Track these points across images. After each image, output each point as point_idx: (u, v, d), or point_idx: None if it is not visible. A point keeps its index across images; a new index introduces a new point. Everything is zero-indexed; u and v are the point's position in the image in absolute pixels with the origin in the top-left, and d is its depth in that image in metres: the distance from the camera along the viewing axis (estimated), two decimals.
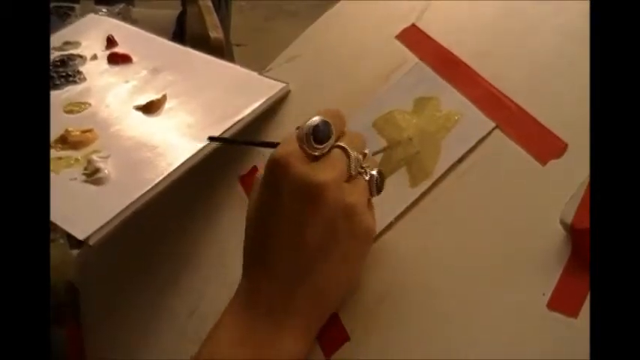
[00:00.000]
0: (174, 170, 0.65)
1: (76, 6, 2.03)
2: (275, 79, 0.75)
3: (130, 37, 0.91)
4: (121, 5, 2.03)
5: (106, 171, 0.66)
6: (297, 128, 0.50)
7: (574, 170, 0.48)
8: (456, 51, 0.62)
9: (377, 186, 0.52)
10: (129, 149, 0.70)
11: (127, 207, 0.61)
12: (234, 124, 0.69)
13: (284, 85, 0.74)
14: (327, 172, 0.48)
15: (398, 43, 0.68)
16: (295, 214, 0.48)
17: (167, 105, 0.76)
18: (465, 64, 0.61)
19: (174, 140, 0.70)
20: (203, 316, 0.62)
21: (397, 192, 0.56)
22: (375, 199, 0.53)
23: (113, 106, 0.77)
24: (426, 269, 0.51)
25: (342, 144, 0.51)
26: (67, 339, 0.75)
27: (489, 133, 0.55)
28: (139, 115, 0.75)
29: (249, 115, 0.70)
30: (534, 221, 0.48)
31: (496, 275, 0.47)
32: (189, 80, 0.79)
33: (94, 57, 0.87)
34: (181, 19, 1.94)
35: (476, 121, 0.56)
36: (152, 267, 0.72)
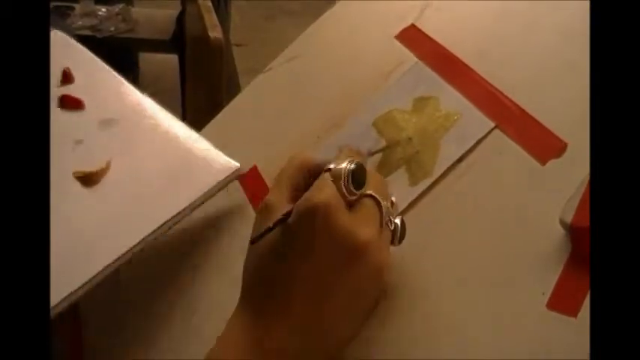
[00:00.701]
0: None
1: (76, 5, 2.03)
2: (227, 159, 0.68)
3: (88, 71, 0.82)
4: (121, 5, 2.04)
5: None
6: (327, 170, 0.47)
7: (574, 170, 0.48)
8: (456, 51, 0.62)
9: (400, 235, 0.50)
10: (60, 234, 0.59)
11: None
12: (170, 218, 0.63)
13: (235, 168, 0.68)
14: (367, 229, 0.46)
15: (397, 43, 0.68)
16: (329, 270, 0.45)
17: (108, 176, 0.68)
18: (465, 64, 0.61)
19: (105, 230, 0.63)
20: (203, 317, 0.62)
21: (397, 191, 0.56)
22: None
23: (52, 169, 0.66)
24: (425, 268, 0.51)
25: (372, 193, 0.48)
26: (67, 339, 0.75)
27: (489, 132, 0.55)
28: (77, 186, 0.68)
29: (185, 209, 0.64)
30: (534, 221, 0.48)
31: (496, 275, 0.47)
32: (138, 146, 0.71)
33: None
34: (181, 18, 1.94)
35: (475, 120, 0.56)
36: (152, 267, 0.72)
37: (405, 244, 0.52)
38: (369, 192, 0.48)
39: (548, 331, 0.43)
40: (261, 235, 0.47)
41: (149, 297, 0.69)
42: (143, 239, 0.60)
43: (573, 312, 0.42)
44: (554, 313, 0.43)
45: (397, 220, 0.50)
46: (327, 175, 0.47)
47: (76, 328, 0.74)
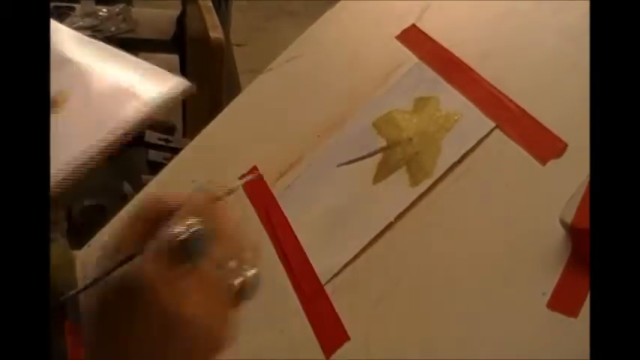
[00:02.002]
0: None
1: (77, 6, 2.03)
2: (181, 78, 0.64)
3: None
4: (122, 5, 2.03)
5: None
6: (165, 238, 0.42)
7: (574, 170, 0.48)
8: (456, 51, 0.62)
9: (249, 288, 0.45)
10: None
11: None
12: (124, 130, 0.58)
13: (188, 85, 0.63)
14: (196, 306, 0.41)
15: (398, 43, 0.68)
16: (154, 346, 0.41)
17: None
18: (465, 64, 0.61)
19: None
20: None
21: (397, 191, 0.56)
22: (375, 200, 0.53)
23: None
24: (425, 269, 0.51)
25: (212, 260, 0.43)
26: (67, 339, 0.75)
27: (489, 133, 0.55)
28: None
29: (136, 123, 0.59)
30: (534, 221, 0.48)
31: (496, 275, 0.47)
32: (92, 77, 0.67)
33: None
34: (181, 19, 1.94)
35: (476, 121, 0.56)
36: None
37: (405, 243, 0.52)
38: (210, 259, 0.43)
39: (549, 331, 0.43)
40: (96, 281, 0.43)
41: None
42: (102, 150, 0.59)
43: (574, 312, 0.42)
44: (554, 313, 0.43)
45: (250, 273, 0.45)
46: (159, 240, 0.42)
47: (76, 328, 0.74)
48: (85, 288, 0.42)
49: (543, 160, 0.51)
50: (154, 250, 0.41)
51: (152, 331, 0.41)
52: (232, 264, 0.44)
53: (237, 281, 0.44)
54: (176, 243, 0.41)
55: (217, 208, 0.44)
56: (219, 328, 0.43)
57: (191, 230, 0.42)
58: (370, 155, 0.58)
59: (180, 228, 0.42)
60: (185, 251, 0.42)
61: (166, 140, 1.83)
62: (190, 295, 0.41)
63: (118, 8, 2.02)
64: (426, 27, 0.67)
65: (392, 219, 0.55)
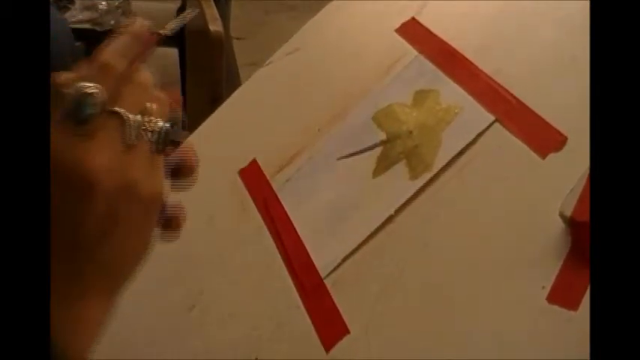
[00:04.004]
0: None
1: None
2: None
3: None
4: None
5: None
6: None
7: (573, 163, 0.48)
8: (456, 44, 0.62)
9: (162, 142, 0.43)
10: None
11: None
12: None
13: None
14: (98, 154, 0.40)
15: (398, 37, 0.68)
16: (68, 208, 0.41)
17: None
18: (465, 58, 0.61)
19: None
20: (202, 312, 0.62)
21: (397, 185, 0.56)
22: (375, 193, 0.53)
23: None
24: (425, 262, 0.51)
25: (116, 108, 0.41)
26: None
27: (489, 126, 0.55)
28: None
29: None
30: (534, 214, 0.48)
31: (496, 268, 0.47)
32: None
33: None
34: (181, 12, 1.94)
35: (476, 114, 0.56)
36: (150, 262, 0.72)
37: (405, 236, 0.52)
38: (113, 109, 0.41)
39: (549, 324, 0.43)
40: None
41: (148, 293, 0.69)
42: None
43: (573, 305, 0.42)
44: (554, 307, 0.43)
45: (160, 125, 0.43)
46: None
47: None
48: None
49: (543, 154, 0.51)
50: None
51: (65, 197, 0.40)
52: (135, 118, 0.42)
53: (160, 124, 0.43)
54: (69, 100, 0.39)
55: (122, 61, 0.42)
56: (135, 180, 0.42)
57: (85, 87, 0.39)
58: (370, 149, 0.58)
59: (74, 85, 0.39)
60: (81, 108, 0.39)
61: None
62: (93, 150, 0.40)
63: (117, 2, 2.02)
64: (426, 20, 0.67)
65: (392, 212, 0.55)
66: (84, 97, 0.39)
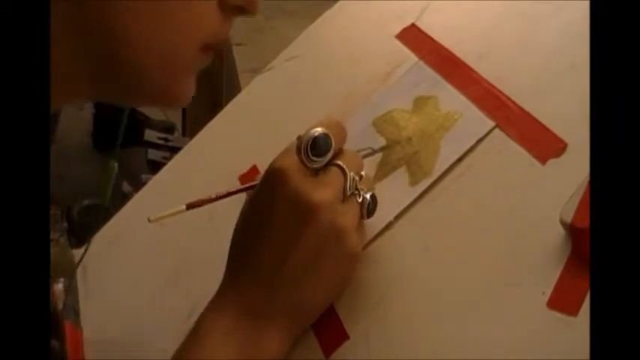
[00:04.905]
0: None
1: None
2: None
3: None
4: None
5: None
6: (298, 138, 0.50)
7: (574, 169, 0.48)
8: (456, 50, 0.62)
9: (368, 210, 0.52)
10: None
11: None
12: None
13: None
14: (323, 192, 0.49)
15: (398, 43, 0.68)
16: (287, 229, 0.49)
17: None
18: (465, 64, 0.61)
19: None
20: None
21: (396, 191, 0.56)
22: None
23: None
24: (425, 268, 0.51)
25: (340, 162, 0.51)
26: (67, 339, 0.75)
27: (489, 132, 0.55)
28: None
29: None
30: (534, 220, 0.48)
31: (496, 274, 0.47)
32: None
33: None
34: None
35: (475, 120, 0.56)
36: (151, 266, 0.72)
37: (404, 243, 0.52)
38: (336, 162, 0.50)
39: (549, 331, 0.43)
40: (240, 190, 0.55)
41: (148, 296, 0.69)
42: None
43: (573, 311, 0.42)
44: (554, 313, 0.43)
45: (367, 195, 0.52)
46: (294, 141, 0.50)
47: (76, 328, 0.74)
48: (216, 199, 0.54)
49: (543, 160, 0.51)
50: (291, 145, 0.50)
51: (288, 219, 0.48)
52: (352, 174, 0.51)
53: (368, 194, 0.52)
54: (307, 139, 0.49)
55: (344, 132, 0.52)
56: (348, 227, 0.50)
57: (319, 131, 0.49)
58: (370, 154, 0.58)
59: (311, 130, 0.50)
60: (315, 149, 0.49)
61: (166, 139, 1.83)
62: (320, 187, 0.49)
63: None
64: (426, 26, 0.67)
65: (391, 218, 0.55)
66: (323, 135, 0.49)
